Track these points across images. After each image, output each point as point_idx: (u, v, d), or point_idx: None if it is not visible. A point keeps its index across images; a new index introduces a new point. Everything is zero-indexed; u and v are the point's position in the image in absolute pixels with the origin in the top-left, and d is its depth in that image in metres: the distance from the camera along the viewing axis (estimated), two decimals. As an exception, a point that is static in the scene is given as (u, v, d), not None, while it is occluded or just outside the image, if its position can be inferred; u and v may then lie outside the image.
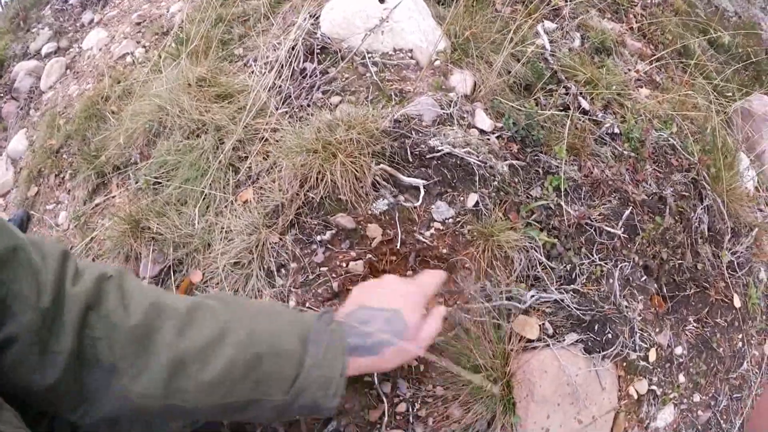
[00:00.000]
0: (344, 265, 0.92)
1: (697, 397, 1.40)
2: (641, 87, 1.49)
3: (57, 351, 0.48)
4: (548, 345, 0.99)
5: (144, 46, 1.64)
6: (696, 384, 1.40)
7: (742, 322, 1.55)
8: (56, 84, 1.80)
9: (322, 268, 0.92)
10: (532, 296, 0.98)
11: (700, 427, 1.42)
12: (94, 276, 0.52)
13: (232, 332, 0.55)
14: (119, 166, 1.35)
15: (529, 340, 0.98)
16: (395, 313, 0.64)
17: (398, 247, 0.92)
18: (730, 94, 1.89)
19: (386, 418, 0.89)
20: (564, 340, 1.01)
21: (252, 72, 1.22)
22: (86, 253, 1.34)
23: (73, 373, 0.49)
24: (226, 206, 1.07)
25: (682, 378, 1.33)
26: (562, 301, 1.01)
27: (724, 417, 1.47)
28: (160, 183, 1.20)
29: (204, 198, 1.10)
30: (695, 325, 1.39)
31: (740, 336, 1.54)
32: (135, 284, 0.55)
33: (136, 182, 1.26)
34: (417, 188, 0.95)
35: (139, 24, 1.71)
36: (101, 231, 1.30)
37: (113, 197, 1.33)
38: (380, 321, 0.64)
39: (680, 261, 1.33)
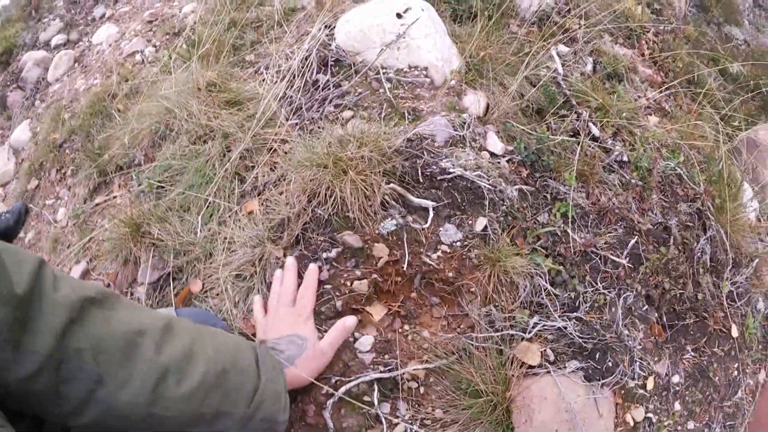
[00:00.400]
0: (349, 284, 0.91)
1: (691, 425, 1.40)
2: (650, 114, 1.49)
3: (32, 349, 0.49)
4: (549, 372, 0.99)
5: (154, 45, 1.62)
6: (691, 412, 1.40)
7: (739, 351, 1.55)
8: (63, 77, 1.78)
9: (326, 286, 0.91)
10: (535, 324, 0.98)
11: (692, 456, 1.42)
12: (77, 293, 0.54)
13: (201, 349, 0.62)
14: (122, 166, 1.33)
15: (531, 366, 0.98)
16: (293, 335, 0.82)
17: (404, 268, 0.91)
18: (737, 123, 1.90)
19: (384, 440, 0.88)
20: (565, 368, 1.00)
21: (263, 80, 1.21)
22: (83, 252, 1.32)
23: (52, 378, 0.51)
24: (230, 216, 1.06)
25: (677, 406, 1.33)
26: (565, 328, 1.00)
27: (717, 445, 1.47)
28: (163, 187, 1.19)
29: (208, 206, 1.09)
30: (693, 354, 1.39)
31: (736, 365, 1.55)
32: (116, 304, 0.58)
33: (139, 184, 1.25)
34: (426, 210, 0.95)
35: (150, 22, 1.70)
36: (100, 232, 1.28)
37: (114, 198, 1.31)
38: (284, 343, 0.81)
39: (681, 291, 1.33)
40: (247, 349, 0.71)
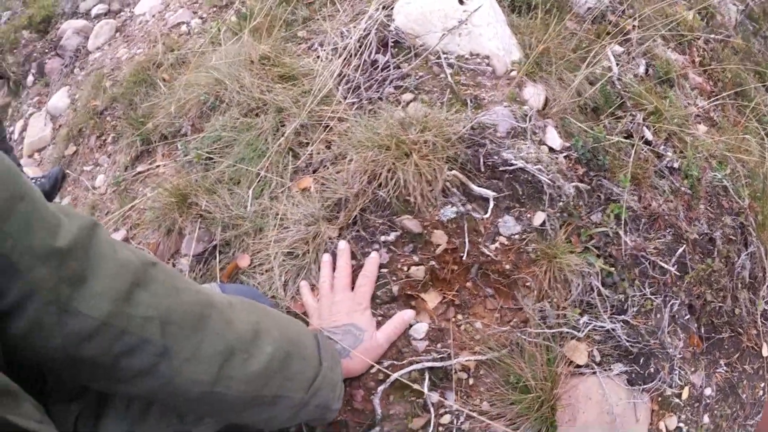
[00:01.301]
0: (405, 269, 0.90)
1: (715, 439, 1.40)
2: (699, 123, 1.47)
3: (85, 312, 0.44)
4: (595, 372, 0.98)
5: (201, 17, 1.60)
6: (717, 426, 1.39)
7: (767, 371, 1.54)
8: (104, 45, 1.76)
9: (382, 270, 0.90)
10: (587, 323, 0.97)
11: (713, 469, 1.42)
12: (139, 256, 0.50)
13: (266, 330, 0.59)
14: (167, 136, 1.32)
15: (578, 366, 0.97)
16: (350, 325, 0.80)
17: (463, 257, 0.90)
18: (781, 139, 1.88)
19: (430, 428, 0.87)
20: (611, 370, 0.99)
21: (318, 57, 1.19)
22: (123, 220, 1.31)
23: (110, 347, 0.46)
24: (282, 192, 1.05)
25: (706, 419, 1.32)
26: (614, 330, 0.99)
27: (736, 462, 1.47)
28: (212, 158, 1.17)
29: (259, 180, 1.08)
30: (725, 368, 1.38)
31: (762, 385, 1.54)
32: (176, 273, 0.55)
33: (185, 155, 1.23)
34: (486, 200, 0.93)
35: (196, -6, 1.68)
36: (143, 200, 1.27)
37: (158, 166, 1.30)
38: (340, 333, 0.79)
39: (721, 304, 1.32)
40: (309, 334, 0.69)
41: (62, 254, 0.43)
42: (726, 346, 1.38)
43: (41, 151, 1.65)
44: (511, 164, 0.94)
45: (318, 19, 1.33)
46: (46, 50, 1.92)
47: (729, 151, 1.46)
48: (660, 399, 1.14)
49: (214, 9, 1.58)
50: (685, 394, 1.22)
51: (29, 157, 1.80)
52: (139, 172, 1.33)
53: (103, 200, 1.40)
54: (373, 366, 0.86)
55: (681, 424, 1.24)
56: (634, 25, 1.46)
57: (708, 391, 1.32)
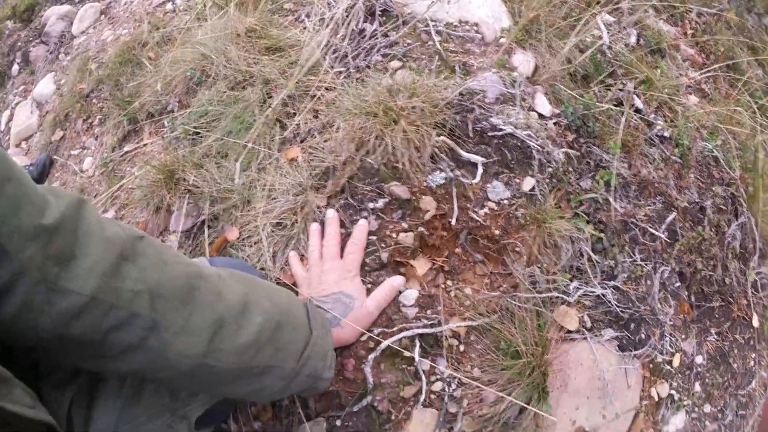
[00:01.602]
0: (394, 235, 0.90)
1: (707, 408, 1.41)
2: (690, 94, 1.46)
3: (71, 289, 0.43)
4: (585, 338, 0.98)
5: (186, -6, 1.58)
6: (709, 395, 1.40)
7: (757, 342, 1.55)
8: (89, 29, 1.73)
9: (371, 237, 0.90)
10: (577, 288, 0.97)
11: (705, 438, 1.43)
12: (126, 231, 0.49)
13: (255, 300, 0.58)
14: (153, 114, 1.30)
15: (568, 332, 0.97)
16: (339, 293, 0.80)
17: (452, 222, 0.90)
18: (773, 115, 1.88)
19: (422, 396, 0.87)
20: (602, 335, 1.00)
21: (305, 28, 1.17)
22: (112, 201, 1.30)
23: (98, 323, 0.46)
24: (270, 163, 1.04)
25: (698, 387, 1.34)
26: (604, 296, 0.99)
27: (728, 431, 1.49)
28: (199, 133, 1.16)
29: (247, 152, 1.07)
30: (716, 337, 1.39)
31: (753, 356, 1.55)
32: (163, 245, 0.54)
33: (172, 131, 1.22)
34: (475, 165, 0.93)
35: (181, -29, 1.65)
36: (130, 179, 1.26)
37: (145, 145, 1.29)
38: (330, 301, 0.78)
39: (711, 273, 1.32)
40: (299, 303, 0.68)
41: (49, 232, 0.42)
42: (716, 315, 1.39)
43: (28, 139, 1.63)
44: (500, 130, 0.93)
45: (304, -8, 1.31)
46: (31, 39, 1.89)
47: (720, 123, 1.46)
48: (651, 366, 1.15)
49: (199, -15, 1.55)
50: (676, 362, 1.23)
51: (16, 147, 1.78)
52: (127, 152, 1.31)
53: (91, 183, 1.38)
54: (363, 334, 0.85)
55: (672, 392, 1.25)
56: (625, -5, 1.45)
57: (699, 359, 1.33)
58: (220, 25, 1.24)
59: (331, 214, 0.91)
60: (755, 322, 1.54)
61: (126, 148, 1.33)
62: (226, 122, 1.11)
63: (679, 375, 1.27)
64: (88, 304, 0.44)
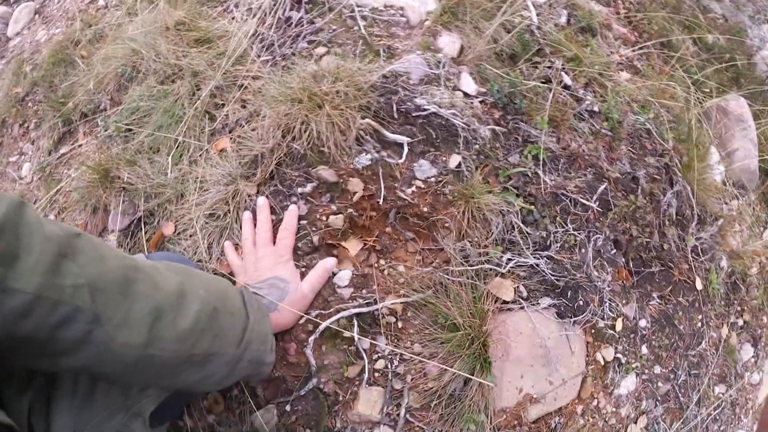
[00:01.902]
0: (324, 218, 0.91)
1: (657, 369, 1.47)
2: (622, 71, 1.52)
3: (17, 288, 0.44)
4: (522, 307, 1.01)
5: (118, -9, 1.55)
6: (657, 356, 1.46)
7: (702, 304, 1.62)
8: (23, 30, 1.68)
9: (302, 222, 0.91)
10: (510, 260, 0.99)
11: (659, 398, 1.49)
12: (65, 230, 0.50)
13: (191, 289, 0.60)
14: (87, 113, 1.28)
15: (505, 302, 1.00)
16: (274, 278, 0.81)
17: (380, 202, 0.91)
18: (708, 90, 1.95)
19: (365, 375, 0.88)
20: (539, 304, 1.03)
21: (233, 18, 1.17)
22: (51, 206, 1.27)
23: (44, 320, 0.47)
24: (201, 155, 1.04)
25: (644, 350, 1.39)
26: (537, 266, 1.03)
27: (682, 391, 1.55)
28: (131, 130, 1.15)
29: (178, 146, 1.06)
30: (659, 301, 1.45)
31: (700, 317, 1.62)
32: (100, 242, 0.55)
33: (106, 129, 1.20)
34: (401, 145, 0.94)
35: (113, -33, 1.62)
36: (67, 182, 1.23)
37: (80, 146, 1.26)
38: (266, 287, 0.80)
39: (648, 239, 1.37)
40: (234, 290, 0.70)
41: None
42: (657, 280, 1.45)
43: (-35, 148, 1.57)
44: (424, 109, 0.95)
45: (235, -16, 1.30)
46: (-35, 43, 1.82)
47: (652, 97, 1.51)
48: (594, 331, 1.19)
49: (132, -19, 1.52)
50: (618, 326, 1.27)
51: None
52: (63, 154, 1.28)
53: (30, 189, 1.35)
54: (302, 317, 0.86)
55: (619, 355, 1.29)
56: (556, -22, 1.48)
57: (643, 323, 1.38)
58: (150, 20, 1.23)
59: (262, 202, 0.91)
60: (698, 285, 1.61)
61: (62, 151, 1.30)
62: (157, 117, 1.10)
63: (624, 339, 1.31)
64: (33, 301, 0.45)
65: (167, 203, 1.04)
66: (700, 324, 1.62)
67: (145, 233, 1.08)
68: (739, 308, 1.82)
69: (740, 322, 1.83)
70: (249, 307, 0.69)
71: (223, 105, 1.03)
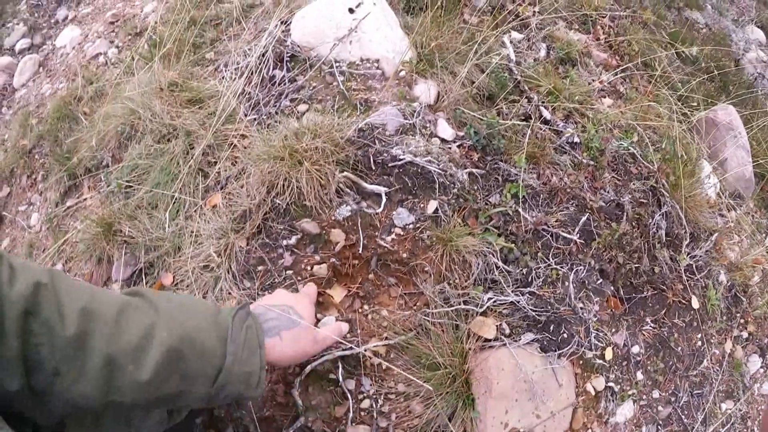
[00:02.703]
0: (309, 268, 0.96)
1: (656, 394, 1.47)
2: (604, 97, 1.55)
3: (8, 356, 0.50)
4: (504, 344, 1.04)
5: (117, 47, 1.64)
6: (655, 381, 1.46)
7: (701, 322, 1.61)
8: (29, 82, 1.79)
9: (288, 271, 0.96)
10: (489, 298, 1.03)
11: (661, 422, 1.49)
12: (30, 283, 0.53)
13: (156, 333, 0.59)
14: (91, 168, 1.36)
15: (487, 340, 1.03)
16: (287, 306, 0.77)
17: (360, 251, 0.96)
18: (695, 104, 1.97)
19: (351, 414, 0.92)
20: (520, 339, 1.06)
21: (222, 77, 1.24)
22: (59, 255, 1.35)
23: (24, 376, 0.52)
24: (195, 210, 1.10)
25: (640, 375, 1.39)
26: (518, 302, 1.06)
27: (686, 412, 1.54)
28: (131, 186, 1.22)
29: (174, 202, 1.13)
30: (652, 325, 1.45)
31: (699, 335, 1.61)
32: (67, 288, 0.57)
33: (108, 185, 1.28)
34: (379, 195, 0.99)
35: (113, 23, 1.71)
36: (74, 234, 1.31)
37: (85, 200, 1.34)
38: (275, 312, 0.76)
39: (637, 265, 1.39)
40: (213, 326, 0.66)
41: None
42: (650, 304, 1.46)
43: (-22, 194, 1.67)
44: (400, 159, 1.00)
45: (224, 40, 1.38)
46: (-26, 91, 1.94)
47: (636, 120, 1.54)
48: (582, 362, 1.21)
49: (129, 37, 1.61)
50: (608, 355, 1.29)
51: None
52: (69, 207, 1.37)
53: (39, 238, 1.43)
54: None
55: (611, 384, 1.31)
56: (534, 11, 1.53)
57: (636, 349, 1.39)
58: (146, 80, 1.31)
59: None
60: (695, 304, 1.60)
61: (68, 203, 1.38)
62: (155, 174, 1.17)
63: (615, 367, 1.32)
64: (17, 361, 0.51)
65: (165, 255, 1.10)
66: (700, 343, 1.62)
67: (146, 283, 1.15)
68: (742, 320, 1.81)
69: (744, 335, 1.82)
70: (230, 345, 0.65)
71: (215, 163, 1.09)
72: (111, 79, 1.43)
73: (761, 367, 1.86)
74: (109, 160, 1.31)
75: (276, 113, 1.10)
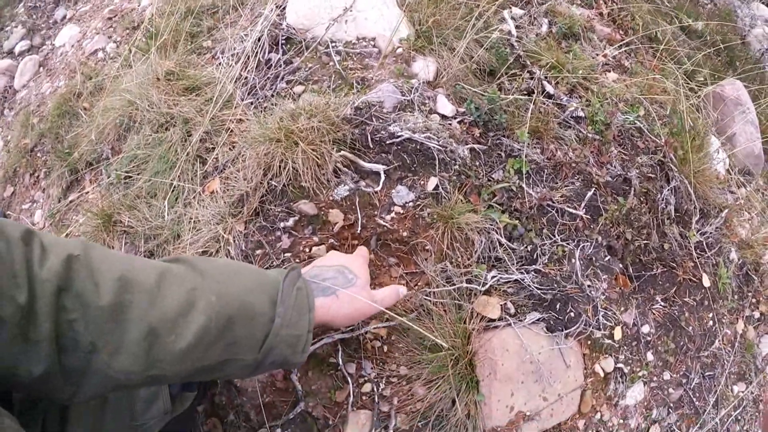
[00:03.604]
0: (308, 250, 0.95)
1: (667, 375, 1.43)
2: (609, 71, 1.51)
3: (38, 339, 0.47)
4: (509, 324, 1.02)
5: (115, 41, 1.64)
6: (665, 362, 1.43)
7: (712, 301, 1.57)
8: (29, 82, 1.80)
9: (286, 254, 0.94)
10: (493, 277, 1.01)
11: (672, 405, 1.45)
12: (61, 258, 0.51)
13: (202, 297, 0.56)
14: (92, 162, 1.36)
15: (491, 320, 1.01)
16: (343, 266, 0.75)
17: (359, 231, 0.94)
18: (702, 79, 1.91)
19: (352, 398, 0.91)
20: (525, 319, 1.03)
21: (219, 64, 1.23)
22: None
23: (55, 357, 0.49)
24: (194, 197, 1.09)
25: (650, 356, 1.36)
26: (523, 281, 1.03)
27: (697, 394, 1.50)
28: (130, 177, 1.22)
29: (173, 190, 1.12)
30: (663, 304, 1.42)
31: (710, 315, 1.57)
32: (101, 258, 0.54)
33: (108, 177, 1.28)
34: (378, 173, 0.97)
35: (110, 19, 1.72)
36: (75, 227, 1.31)
37: (87, 193, 1.35)
38: (332, 272, 0.73)
39: (646, 241, 1.35)
40: (262, 287, 0.62)
41: (24, 301, 0.47)
42: (660, 282, 1.42)
43: (-19, 198, 1.69)
44: (398, 136, 0.98)
45: (221, 28, 1.37)
46: (-27, 98, 1.96)
47: (641, 94, 1.50)
48: (590, 342, 1.18)
49: (127, 31, 1.61)
50: (618, 335, 1.25)
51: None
52: (71, 201, 1.37)
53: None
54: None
55: (621, 365, 1.27)
56: (534, -14, 1.49)
57: (646, 329, 1.36)
58: (143, 71, 1.30)
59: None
60: (706, 282, 1.56)
61: (70, 198, 1.39)
62: (153, 164, 1.17)
63: (625, 347, 1.29)
64: (49, 344, 0.48)
65: (165, 243, 1.10)
66: (711, 322, 1.57)
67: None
68: (754, 300, 1.76)
69: (756, 315, 1.77)
70: (280, 306, 0.61)
71: (213, 149, 1.08)
72: (109, 73, 1.43)
73: (773, 348, 1.81)
74: (109, 152, 1.31)
75: (272, 96, 1.08)
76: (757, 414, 1.73)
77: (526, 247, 1.07)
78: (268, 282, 0.63)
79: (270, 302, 0.61)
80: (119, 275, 0.53)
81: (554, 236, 1.12)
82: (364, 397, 0.93)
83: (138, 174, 1.20)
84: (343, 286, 0.72)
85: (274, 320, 0.60)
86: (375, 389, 0.92)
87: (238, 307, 0.58)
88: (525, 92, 1.25)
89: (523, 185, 1.10)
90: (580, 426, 1.13)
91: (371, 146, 0.99)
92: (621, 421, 1.27)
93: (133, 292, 0.53)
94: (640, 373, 1.34)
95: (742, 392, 1.63)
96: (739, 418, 1.62)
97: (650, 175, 1.39)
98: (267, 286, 0.62)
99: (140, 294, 0.53)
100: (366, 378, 0.93)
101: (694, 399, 1.51)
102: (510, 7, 1.43)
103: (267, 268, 0.96)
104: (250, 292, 0.60)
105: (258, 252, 0.96)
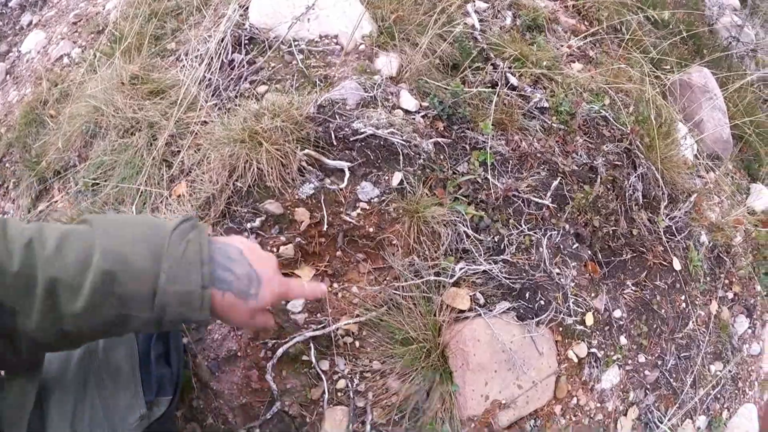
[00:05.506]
0: (275, 250, 0.95)
1: (642, 358, 1.46)
2: (574, 62, 1.53)
3: None
4: (479, 314, 1.04)
5: (80, 46, 1.62)
6: (639, 345, 1.46)
7: (684, 284, 1.61)
8: (-3, 91, 1.77)
9: (252, 255, 0.95)
10: (461, 269, 1.02)
11: (648, 386, 1.49)
12: None
13: (96, 254, 0.55)
14: (59, 171, 1.35)
15: (461, 311, 1.02)
16: (257, 273, 0.63)
17: (326, 229, 0.95)
18: (669, 67, 1.95)
19: (327, 395, 0.92)
20: (495, 309, 1.05)
21: (183, 66, 1.22)
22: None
23: None
24: (161, 201, 1.09)
25: (623, 340, 1.39)
26: (491, 271, 1.05)
27: (674, 375, 1.54)
28: (98, 184, 1.21)
29: (140, 195, 1.11)
30: (634, 288, 1.45)
31: (683, 297, 1.61)
32: (16, 226, 0.55)
33: (76, 185, 1.26)
34: (342, 171, 0.98)
35: (75, 23, 1.69)
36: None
37: (56, 202, 1.33)
38: (244, 266, 0.62)
39: (614, 228, 1.38)
40: (147, 239, 0.58)
41: None
42: (630, 267, 1.46)
43: (-49, 210, 1.66)
44: (361, 132, 0.99)
45: (185, 29, 1.36)
46: (-58, 105, 1.92)
47: (607, 84, 1.52)
48: (561, 329, 1.20)
49: (92, 35, 1.59)
50: (589, 320, 1.28)
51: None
52: (41, 211, 1.35)
53: (14, 244, 1.41)
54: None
55: (594, 350, 1.30)
56: (498, -20, 1.51)
57: (618, 313, 1.39)
58: (108, 76, 1.29)
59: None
60: (677, 265, 1.60)
61: (40, 208, 1.37)
62: (120, 169, 1.16)
63: (598, 332, 1.32)
64: None
65: (134, 249, 1.09)
66: (684, 305, 1.61)
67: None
68: (726, 281, 1.80)
69: (730, 295, 1.81)
70: (165, 262, 0.57)
71: (179, 152, 1.08)
72: (75, 79, 1.42)
73: (749, 327, 1.86)
74: (76, 160, 1.30)
75: (236, 97, 1.08)
76: (736, 392, 1.78)
77: (493, 237, 1.09)
78: (157, 234, 0.58)
79: (152, 255, 0.57)
80: (27, 241, 0.54)
81: (521, 226, 1.14)
82: (339, 394, 0.94)
83: (105, 181, 1.19)
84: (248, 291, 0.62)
85: (159, 278, 0.57)
86: (349, 385, 0.93)
87: (116, 261, 0.56)
88: (489, 85, 1.27)
89: (489, 177, 1.12)
90: (557, 411, 1.16)
91: (335, 144, 0.99)
92: (598, 404, 1.30)
93: (38, 253, 0.54)
94: (615, 357, 1.36)
95: (720, 371, 1.67)
96: (719, 396, 1.66)
97: (617, 162, 1.42)
98: (154, 237, 0.58)
99: (43, 255, 0.54)
100: (340, 374, 0.94)
101: (671, 380, 1.54)
102: (473, 1, 1.44)
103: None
104: (130, 245, 0.57)
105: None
